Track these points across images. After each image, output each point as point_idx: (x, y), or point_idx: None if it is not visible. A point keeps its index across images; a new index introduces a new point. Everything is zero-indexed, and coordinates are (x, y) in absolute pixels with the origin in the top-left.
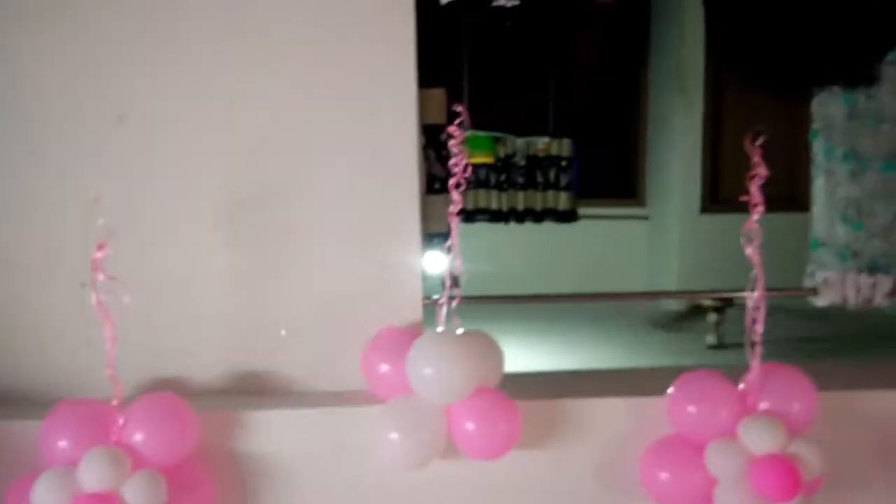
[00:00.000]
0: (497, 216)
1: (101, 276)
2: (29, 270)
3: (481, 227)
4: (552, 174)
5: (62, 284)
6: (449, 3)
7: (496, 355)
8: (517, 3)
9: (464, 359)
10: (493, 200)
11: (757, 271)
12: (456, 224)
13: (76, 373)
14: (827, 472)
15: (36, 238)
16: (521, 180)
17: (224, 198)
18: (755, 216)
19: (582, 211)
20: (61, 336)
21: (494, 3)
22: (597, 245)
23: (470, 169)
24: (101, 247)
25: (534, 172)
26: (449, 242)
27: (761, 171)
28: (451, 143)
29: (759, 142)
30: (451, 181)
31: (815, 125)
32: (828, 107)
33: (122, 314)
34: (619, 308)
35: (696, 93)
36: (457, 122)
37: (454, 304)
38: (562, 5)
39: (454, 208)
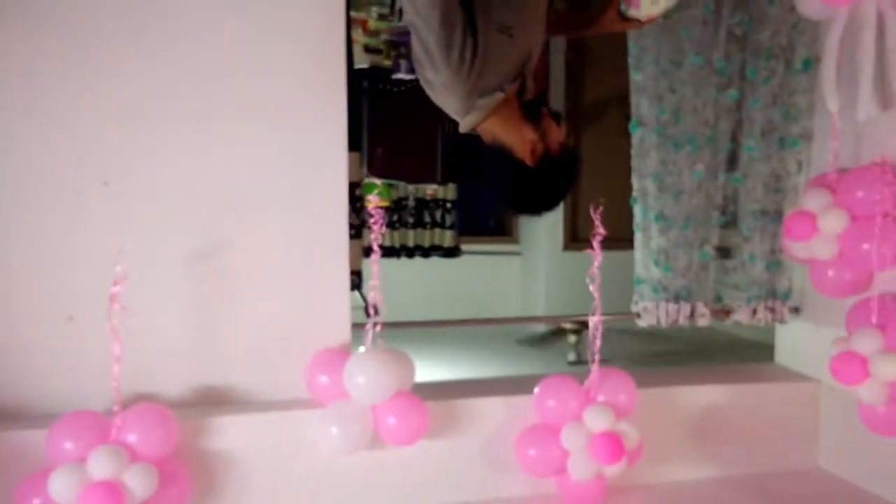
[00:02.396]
0: (390, 252)
1: (116, 307)
2: (19, 307)
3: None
4: (438, 215)
5: (48, 318)
6: (354, 70)
7: (410, 367)
8: (414, 77)
9: (388, 370)
10: (387, 238)
11: (596, 303)
12: (376, 269)
13: (58, 392)
14: (648, 445)
15: (24, 281)
16: (411, 220)
17: (189, 244)
18: (596, 263)
19: (464, 247)
20: (48, 361)
21: (394, 76)
22: (477, 277)
23: (382, 219)
24: (117, 283)
25: (422, 213)
26: (372, 279)
27: (601, 231)
28: (372, 221)
29: (599, 210)
30: (372, 237)
31: (635, 194)
32: (643, 181)
33: (104, 340)
34: (496, 330)
35: None
36: (376, 202)
37: (377, 328)
38: None
39: (374, 257)
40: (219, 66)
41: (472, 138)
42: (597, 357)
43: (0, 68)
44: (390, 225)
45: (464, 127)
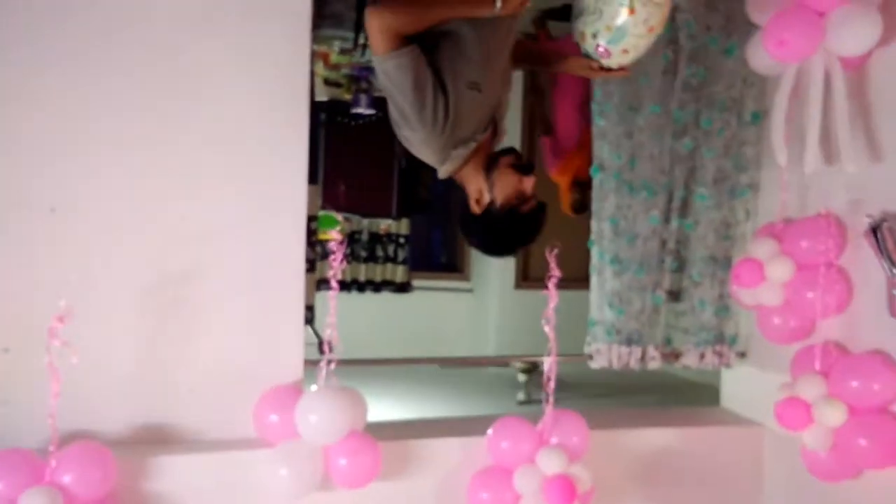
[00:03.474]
0: (341, 285)
1: (56, 342)
2: None
3: (326, 295)
4: (391, 250)
5: None
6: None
7: (363, 406)
8: (373, 112)
9: (341, 409)
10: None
11: (551, 345)
12: (334, 305)
13: None
14: (599, 487)
15: None
16: (363, 254)
17: (136, 275)
18: (551, 306)
19: (415, 283)
20: None
21: (353, 110)
22: (428, 313)
23: (342, 246)
24: (60, 319)
25: (375, 248)
26: (329, 316)
27: (556, 273)
28: (332, 257)
29: (555, 252)
30: (331, 272)
31: (592, 236)
32: (601, 224)
33: (42, 374)
34: (447, 368)
35: None
36: (338, 237)
37: (332, 366)
38: None
39: (333, 293)
40: (178, 92)
41: (426, 175)
42: (551, 398)
43: None
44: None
45: (441, 174)
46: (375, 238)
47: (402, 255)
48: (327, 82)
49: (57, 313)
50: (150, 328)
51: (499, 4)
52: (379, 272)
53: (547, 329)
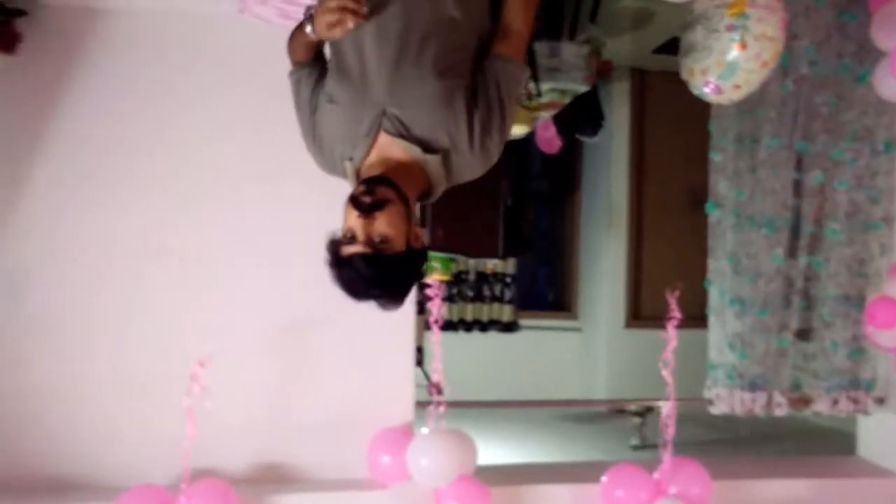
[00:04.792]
0: (448, 325)
1: (196, 387)
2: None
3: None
4: (498, 289)
5: (121, 390)
6: None
7: (473, 451)
8: None
9: (451, 453)
10: (445, 312)
11: (670, 389)
12: (439, 351)
13: (123, 464)
14: None
15: (101, 352)
16: (470, 294)
17: (258, 323)
18: (670, 349)
19: (522, 322)
20: (117, 433)
21: None
22: (535, 353)
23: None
24: (202, 364)
25: (482, 287)
26: (435, 360)
27: (677, 314)
28: (430, 303)
29: (675, 294)
30: (432, 318)
31: (710, 276)
32: (717, 262)
33: (175, 414)
34: (556, 409)
35: (621, 225)
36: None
37: (441, 409)
38: (513, 158)
39: (436, 338)
40: (290, 145)
41: (529, 212)
42: (669, 446)
43: (81, 142)
44: (449, 298)
45: None
46: (482, 277)
47: (508, 294)
48: None
49: (198, 358)
50: (270, 372)
51: (308, 30)
52: (486, 312)
53: (665, 373)
